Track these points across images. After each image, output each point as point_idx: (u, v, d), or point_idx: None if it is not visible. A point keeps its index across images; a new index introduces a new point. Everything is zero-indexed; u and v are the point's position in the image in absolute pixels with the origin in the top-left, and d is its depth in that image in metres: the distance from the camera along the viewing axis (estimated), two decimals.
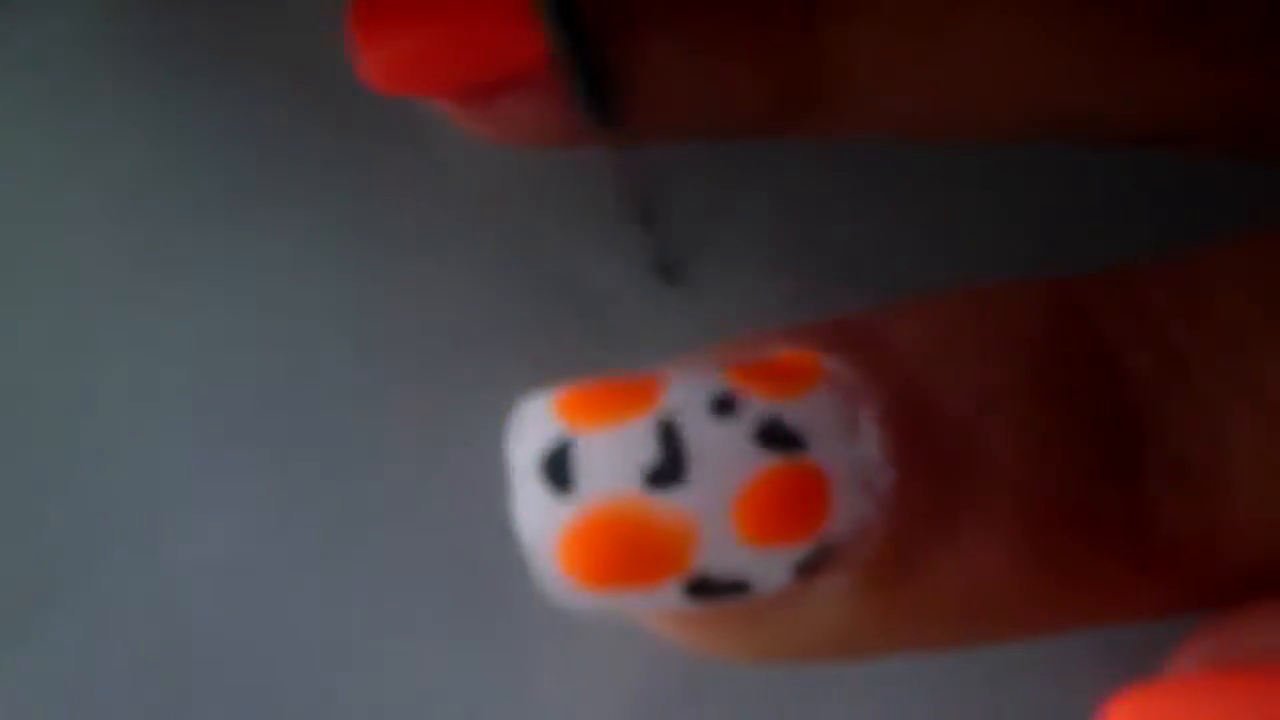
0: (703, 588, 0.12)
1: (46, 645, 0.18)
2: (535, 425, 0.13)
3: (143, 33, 0.21)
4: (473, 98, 0.17)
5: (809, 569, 0.12)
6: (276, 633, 0.18)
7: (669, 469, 0.12)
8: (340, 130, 0.20)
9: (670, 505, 0.12)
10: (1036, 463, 0.12)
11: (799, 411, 0.12)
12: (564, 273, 0.19)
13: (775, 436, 0.12)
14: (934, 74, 0.16)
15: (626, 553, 0.12)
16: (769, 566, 0.12)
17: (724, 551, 0.12)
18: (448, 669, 0.18)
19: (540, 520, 0.12)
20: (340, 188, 0.20)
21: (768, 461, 0.12)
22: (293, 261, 0.20)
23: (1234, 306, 0.13)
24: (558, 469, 0.12)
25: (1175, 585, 0.13)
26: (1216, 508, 0.12)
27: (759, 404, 0.12)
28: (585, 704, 0.17)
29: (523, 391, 0.13)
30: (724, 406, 0.12)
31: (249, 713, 0.18)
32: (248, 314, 0.20)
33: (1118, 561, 0.12)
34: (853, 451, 0.12)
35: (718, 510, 0.12)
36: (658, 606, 0.13)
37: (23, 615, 0.18)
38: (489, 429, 0.13)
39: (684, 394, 0.13)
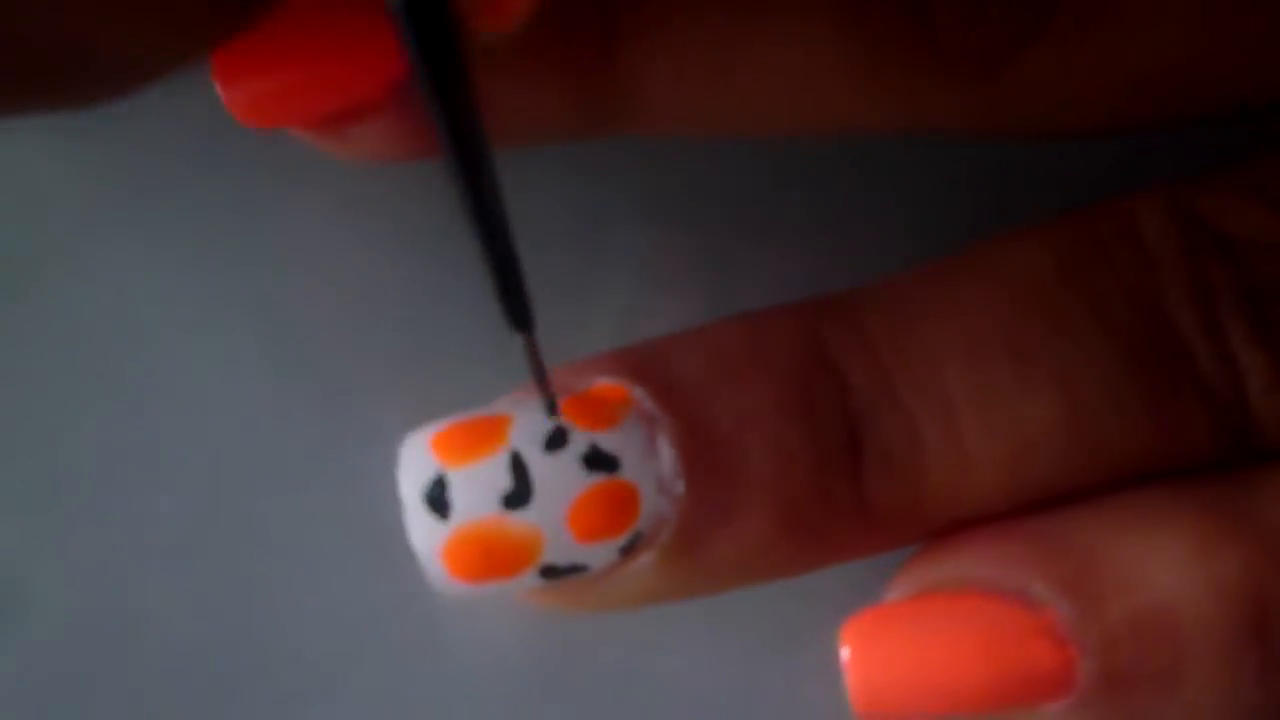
0: (551, 572, 0.17)
1: (27, 626, 0.21)
2: (416, 461, 0.17)
3: None
4: (325, 127, 0.19)
5: (627, 551, 0.17)
6: (231, 597, 0.21)
7: (520, 494, 0.17)
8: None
9: (521, 520, 0.17)
10: (784, 465, 0.17)
11: (613, 439, 0.17)
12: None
13: (596, 460, 0.17)
14: (722, 96, 0.19)
15: (491, 557, 0.17)
16: (597, 553, 0.17)
17: (563, 547, 0.17)
18: (371, 619, 0.21)
19: (426, 538, 0.17)
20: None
21: (591, 480, 0.17)
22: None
23: (929, 330, 0.17)
24: (436, 500, 0.17)
25: (892, 536, 0.18)
26: (915, 486, 0.17)
27: (582, 435, 0.17)
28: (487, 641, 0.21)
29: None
30: (557, 439, 0.17)
31: (210, 676, 0.21)
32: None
33: (847, 527, 0.17)
34: (653, 467, 0.17)
35: (557, 519, 0.17)
36: (520, 588, 0.17)
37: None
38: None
39: (527, 430, 0.17)
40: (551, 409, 0.17)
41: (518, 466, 0.17)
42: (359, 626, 0.21)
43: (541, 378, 0.17)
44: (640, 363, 0.18)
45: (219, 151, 0.22)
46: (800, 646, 0.21)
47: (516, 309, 0.16)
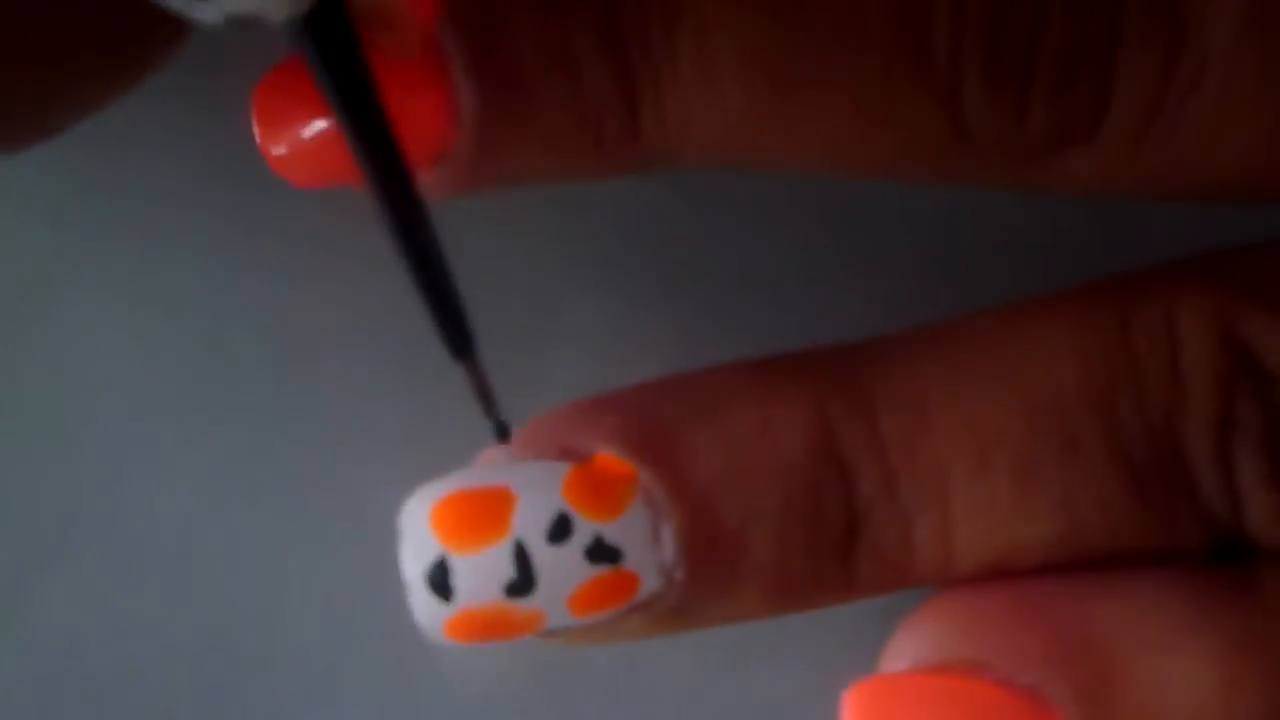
0: (550, 634, 0.18)
1: (35, 624, 0.22)
2: (417, 538, 0.17)
3: None
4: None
5: (621, 614, 0.18)
6: (231, 600, 0.22)
7: (522, 583, 0.17)
8: None
9: (523, 606, 0.17)
10: (784, 555, 0.17)
11: (617, 530, 0.17)
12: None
13: (600, 553, 0.17)
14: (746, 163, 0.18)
15: (493, 632, 0.17)
16: (594, 620, 0.17)
17: (562, 621, 0.17)
18: (370, 621, 0.22)
19: (429, 615, 0.17)
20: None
21: (594, 572, 0.17)
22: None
23: (940, 438, 0.17)
24: (440, 583, 0.17)
25: (875, 596, 0.18)
26: (900, 574, 0.18)
27: (586, 526, 0.17)
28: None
29: None
30: (561, 529, 0.17)
31: (210, 678, 0.21)
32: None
33: (832, 592, 0.18)
34: (656, 555, 0.17)
35: (557, 604, 0.17)
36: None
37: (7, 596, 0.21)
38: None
39: (530, 517, 0.17)
40: (502, 432, 0.17)
41: (521, 558, 0.17)
42: (358, 629, 0.22)
43: (489, 405, 0.17)
44: (649, 438, 0.17)
45: (221, 164, 0.21)
46: (791, 652, 0.21)
47: (455, 335, 0.16)
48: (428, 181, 0.18)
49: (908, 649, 0.18)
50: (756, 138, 0.17)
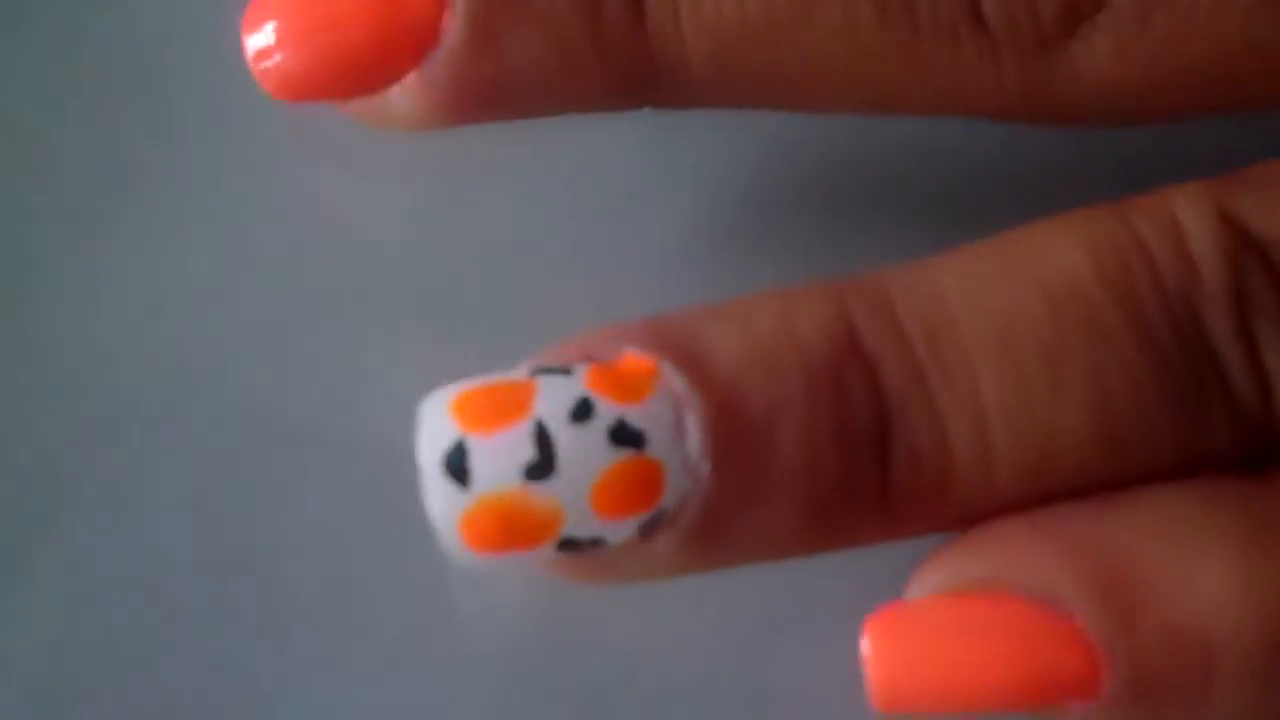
0: (569, 546, 0.17)
1: (35, 585, 0.21)
2: (436, 427, 0.16)
3: None
4: (365, 86, 0.19)
5: (647, 529, 0.17)
6: (239, 564, 0.21)
7: (543, 466, 0.16)
8: None
9: (543, 492, 0.16)
10: (812, 453, 0.17)
11: (640, 414, 0.16)
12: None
13: (622, 436, 0.16)
14: (761, 69, 0.19)
15: (511, 529, 0.16)
16: (618, 529, 0.17)
17: (584, 522, 0.16)
18: (380, 590, 0.21)
19: (444, 506, 0.16)
20: None
21: (617, 456, 0.16)
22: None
23: (965, 329, 0.17)
24: (456, 467, 0.16)
25: (907, 528, 0.17)
26: (938, 485, 0.17)
27: (609, 408, 0.16)
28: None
29: None
30: (583, 410, 0.16)
31: (217, 644, 0.21)
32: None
33: (865, 516, 0.17)
34: (680, 447, 0.16)
35: (579, 494, 0.16)
36: (538, 561, 0.17)
37: (9, 558, 0.21)
38: None
39: (552, 399, 0.16)
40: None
41: (542, 437, 0.16)
42: (368, 597, 0.21)
43: None
44: (671, 336, 0.17)
45: (231, 117, 0.22)
46: (810, 624, 0.20)
47: None
48: (414, 90, 0.18)
49: (926, 581, 0.17)
50: (773, 46, 0.18)
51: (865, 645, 0.17)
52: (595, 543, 0.17)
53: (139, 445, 0.21)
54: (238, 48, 0.19)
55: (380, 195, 0.22)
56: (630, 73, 0.19)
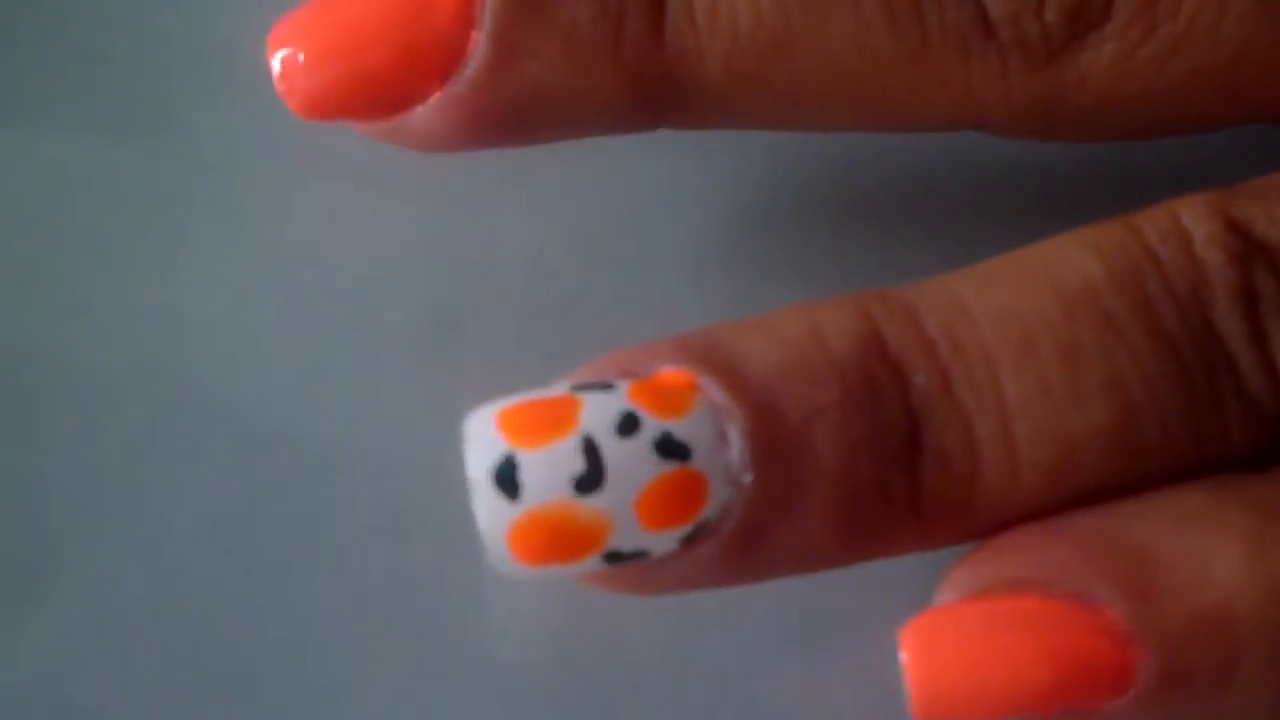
0: (614, 558, 0.17)
1: (56, 608, 0.21)
2: (484, 440, 0.17)
3: None
4: (384, 113, 0.19)
5: (689, 540, 0.17)
6: (260, 577, 0.21)
7: (592, 478, 0.16)
8: None
9: (591, 505, 0.16)
10: (848, 459, 0.17)
11: (684, 427, 0.17)
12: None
13: (669, 448, 0.17)
14: (773, 82, 0.19)
15: (559, 541, 0.17)
16: (661, 541, 0.17)
17: (630, 534, 0.17)
18: (399, 600, 0.21)
19: (493, 518, 0.16)
20: None
21: (663, 468, 0.17)
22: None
23: (986, 332, 0.17)
24: (506, 480, 0.16)
25: (937, 535, 0.18)
26: (967, 486, 0.17)
27: (654, 422, 0.17)
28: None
29: None
30: (629, 424, 0.17)
31: (239, 653, 0.21)
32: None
33: (898, 523, 0.17)
34: (723, 457, 0.17)
35: (626, 506, 0.17)
36: (581, 572, 0.17)
37: (30, 580, 0.21)
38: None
39: (598, 413, 0.17)
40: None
41: (590, 450, 0.16)
42: (387, 617, 0.21)
43: None
44: (707, 350, 0.17)
45: (249, 140, 0.22)
46: (821, 638, 0.21)
47: None
48: (438, 110, 0.19)
49: (956, 585, 0.18)
50: (787, 55, 0.18)
51: (903, 655, 0.17)
52: (639, 554, 0.17)
53: (158, 468, 0.21)
54: (256, 70, 0.19)
55: (398, 217, 0.22)
56: (650, 88, 0.19)
